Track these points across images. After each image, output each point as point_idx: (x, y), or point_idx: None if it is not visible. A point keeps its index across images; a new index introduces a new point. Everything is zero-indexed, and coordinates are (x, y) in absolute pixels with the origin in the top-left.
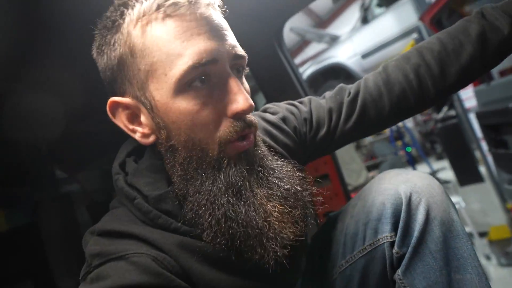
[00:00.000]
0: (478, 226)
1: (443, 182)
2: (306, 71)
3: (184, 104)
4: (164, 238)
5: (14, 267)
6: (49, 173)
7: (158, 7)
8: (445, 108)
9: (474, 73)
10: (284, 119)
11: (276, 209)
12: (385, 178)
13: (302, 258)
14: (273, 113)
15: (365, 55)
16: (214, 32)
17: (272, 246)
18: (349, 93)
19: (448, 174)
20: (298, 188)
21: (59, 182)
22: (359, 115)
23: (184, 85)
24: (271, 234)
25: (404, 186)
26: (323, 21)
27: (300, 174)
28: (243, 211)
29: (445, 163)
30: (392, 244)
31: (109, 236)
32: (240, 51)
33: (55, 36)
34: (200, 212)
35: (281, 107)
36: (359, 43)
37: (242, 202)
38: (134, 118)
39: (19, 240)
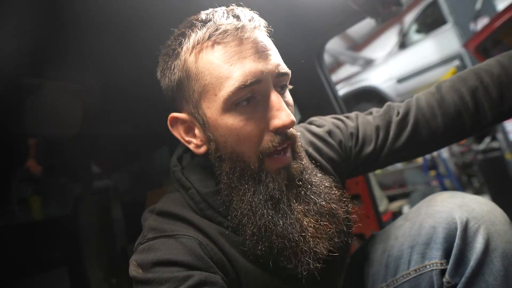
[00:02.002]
0: None
1: None
2: (338, 92)
3: (231, 121)
4: (211, 226)
5: (51, 254)
6: (86, 167)
7: (210, 36)
8: (487, 139)
9: None
10: (329, 132)
11: (312, 225)
12: (437, 200)
13: (339, 274)
14: (318, 126)
15: (400, 80)
16: (259, 54)
17: (306, 258)
18: (398, 112)
19: None
20: (334, 205)
21: (95, 177)
22: (410, 135)
23: (231, 104)
24: (305, 248)
25: (460, 210)
26: (358, 44)
27: (337, 191)
28: (281, 224)
29: None
30: (442, 272)
31: (165, 216)
32: (283, 68)
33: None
34: (243, 220)
35: (327, 121)
36: (395, 68)
37: (280, 215)
38: (189, 130)
39: (57, 229)
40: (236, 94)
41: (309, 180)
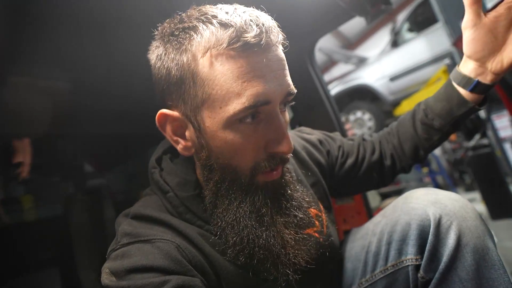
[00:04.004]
0: (511, 265)
1: None
2: (332, 90)
3: (231, 136)
4: (189, 228)
5: (41, 255)
6: (79, 166)
7: (229, 44)
8: (477, 136)
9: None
10: (320, 141)
11: (292, 237)
12: (412, 197)
13: (317, 282)
14: (309, 134)
15: (393, 78)
16: (274, 73)
17: (286, 270)
18: (366, 138)
19: (478, 206)
20: (313, 219)
21: (87, 176)
22: (379, 153)
23: (235, 121)
24: (285, 260)
25: (433, 207)
26: (352, 43)
27: (316, 206)
28: (264, 236)
29: (475, 195)
30: (417, 267)
31: (141, 220)
32: (292, 89)
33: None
34: (227, 229)
35: (316, 132)
36: (388, 66)
37: (264, 228)
38: (178, 130)
39: (48, 229)
40: (243, 112)
41: (291, 194)
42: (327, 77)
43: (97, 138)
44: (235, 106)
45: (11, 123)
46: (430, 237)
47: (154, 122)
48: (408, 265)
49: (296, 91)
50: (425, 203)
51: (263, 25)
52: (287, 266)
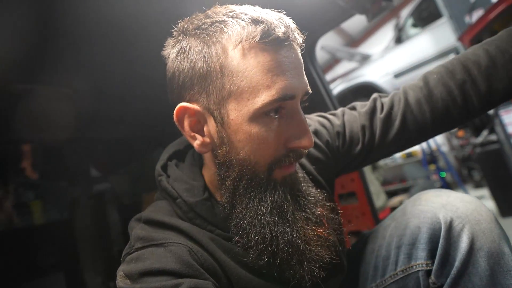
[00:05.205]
0: None
1: None
2: (336, 88)
3: (256, 129)
4: (201, 233)
5: (47, 260)
6: (85, 171)
7: (262, 38)
8: (484, 132)
9: None
10: (316, 133)
11: (315, 233)
12: (421, 199)
13: (336, 279)
14: None
15: (398, 75)
16: (297, 70)
17: (312, 267)
18: (382, 108)
19: (487, 203)
20: (330, 215)
21: (93, 180)
22: (398, 131)
23: (262, 113)
24: (310, 256)
25: (444, 210)
26: (355, 40)
27: (330, 203)
28: (289, 232)
29: (484, 192)
30: (428, 273)
31: (153, 225)
32: (309, 89)
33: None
34: (248, 229)
35: (313, 120)
36: (392, 63)
37: (287, 224)
38: (196, 125)
39: (55, 234)
40: (271, 105)
41: (307, 191)
42: (330, 75)
43: (101, 142)
44: (264, 98)
45: (21, 130)
46: (441, 241)
47: (157, 125)
48: (419, 270)
49: (311, 91)
50: (435, 205)
51: (290, 24)
52: (312, 262)
